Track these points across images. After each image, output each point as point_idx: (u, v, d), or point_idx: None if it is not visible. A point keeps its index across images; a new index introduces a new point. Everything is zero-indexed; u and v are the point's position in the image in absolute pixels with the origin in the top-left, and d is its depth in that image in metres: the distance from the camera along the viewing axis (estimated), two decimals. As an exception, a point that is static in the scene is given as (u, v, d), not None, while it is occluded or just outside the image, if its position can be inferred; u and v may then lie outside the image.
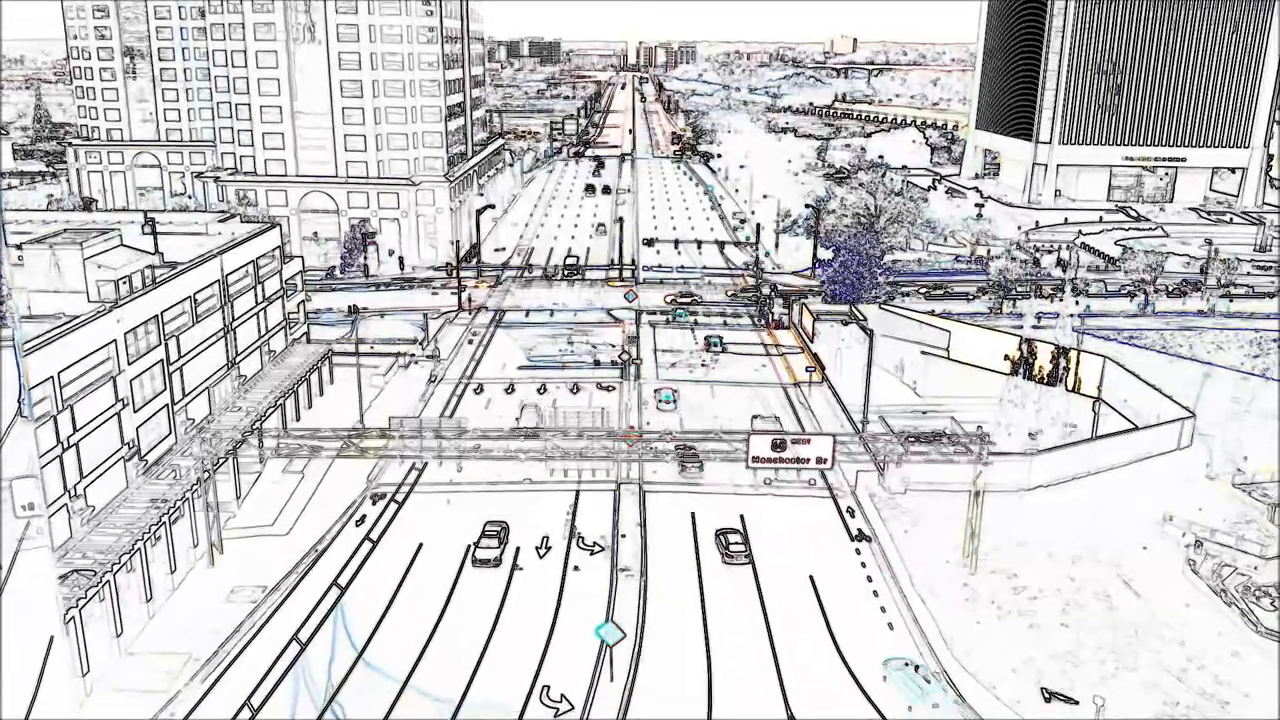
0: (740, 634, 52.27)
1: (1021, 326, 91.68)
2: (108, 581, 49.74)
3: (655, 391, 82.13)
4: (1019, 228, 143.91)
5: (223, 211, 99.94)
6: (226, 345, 69.81)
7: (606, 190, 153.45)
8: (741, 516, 62.75)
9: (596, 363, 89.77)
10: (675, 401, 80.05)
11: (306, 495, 65.49)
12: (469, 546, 59.32)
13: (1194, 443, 70.81)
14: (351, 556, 59.04)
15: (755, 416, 75.60)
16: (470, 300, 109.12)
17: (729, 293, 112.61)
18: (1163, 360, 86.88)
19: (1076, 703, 47.09)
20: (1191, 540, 59.70)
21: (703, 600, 55.11)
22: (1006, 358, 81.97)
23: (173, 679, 48.62)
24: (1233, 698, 47.80)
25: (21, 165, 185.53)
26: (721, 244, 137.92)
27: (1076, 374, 78.97)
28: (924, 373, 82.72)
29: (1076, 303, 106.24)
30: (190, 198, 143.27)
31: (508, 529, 60.83)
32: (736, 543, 59.43)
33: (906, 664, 49.40)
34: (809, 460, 64.39)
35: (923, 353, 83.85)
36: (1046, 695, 47.99)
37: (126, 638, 51.20)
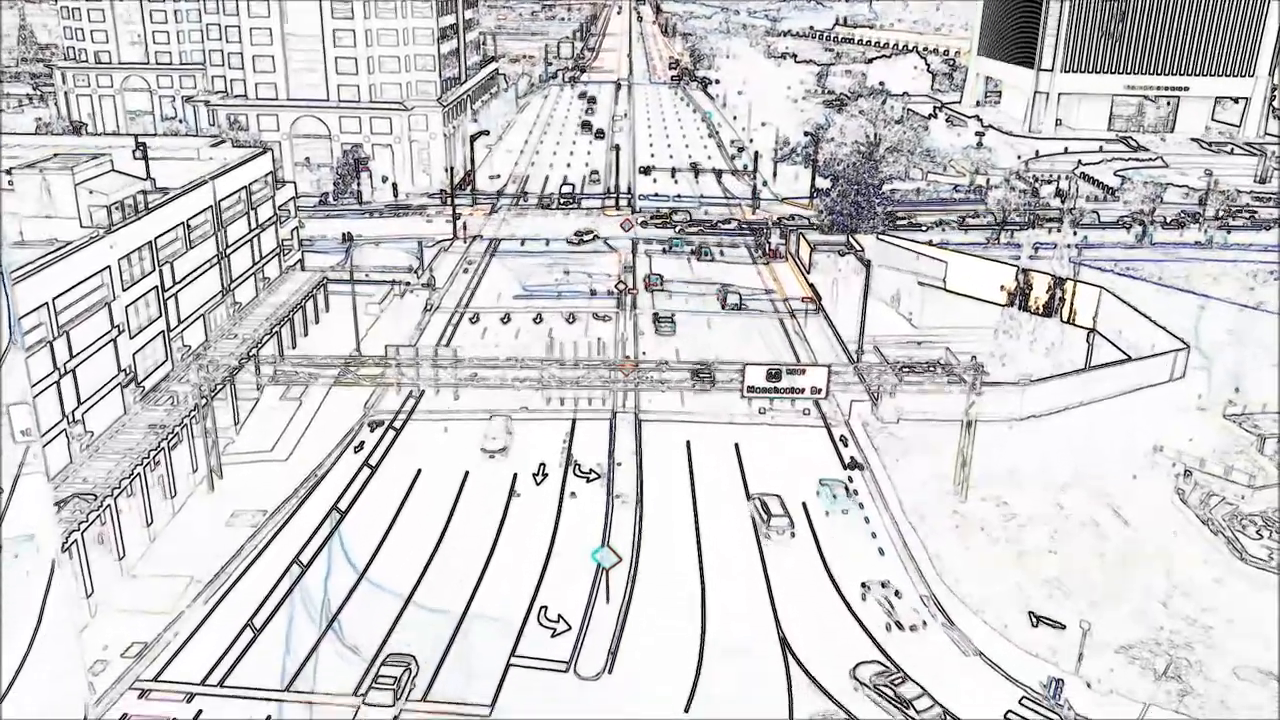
0: (733, 558, 53.12)
1: (1019, 257, 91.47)
2: (108, 506, 50.25)
3: (654, 317, 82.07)
4: (1019, 157, 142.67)
5: (214, 136, 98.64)
6: (221, 272, 69.49)
7: (600, 135, 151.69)
8: (736, 445, 63.27)
9: (593, 293, 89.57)
10: (673, 324, 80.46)
11: (304, 422, 65.86)
12: (466, 472, 60.01)
13: (1187, 374, 71.20)
14: (350, 482, 59.62)
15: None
16: (465, 228, 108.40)
17: (726, 222, 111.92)
18: (1159, 292, 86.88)
19: (1063, 627, 48.12)
20: (1181, 470, 60.45)
21: (697, 526, 55.88)
22: (1003, 288, 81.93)
23: (175, 600, 49.44)
24: (1216, 623, 48.87)
25: (8, 88, 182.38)
26: (719, 173, 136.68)
27: (1072, 305, 79.06)
28: (920, 303, 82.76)
29: (1074, 233, 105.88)
30: (181, 122, 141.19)
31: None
32: (779, 513, 55.62)
33: (825, 482, 58.87)
34: (804, 390, 64.65)
35: (919, 283, 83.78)
36: (1034, 620, 49.02)
37: (128, 561, 51.91)
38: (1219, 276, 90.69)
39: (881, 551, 54.14)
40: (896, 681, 44.15)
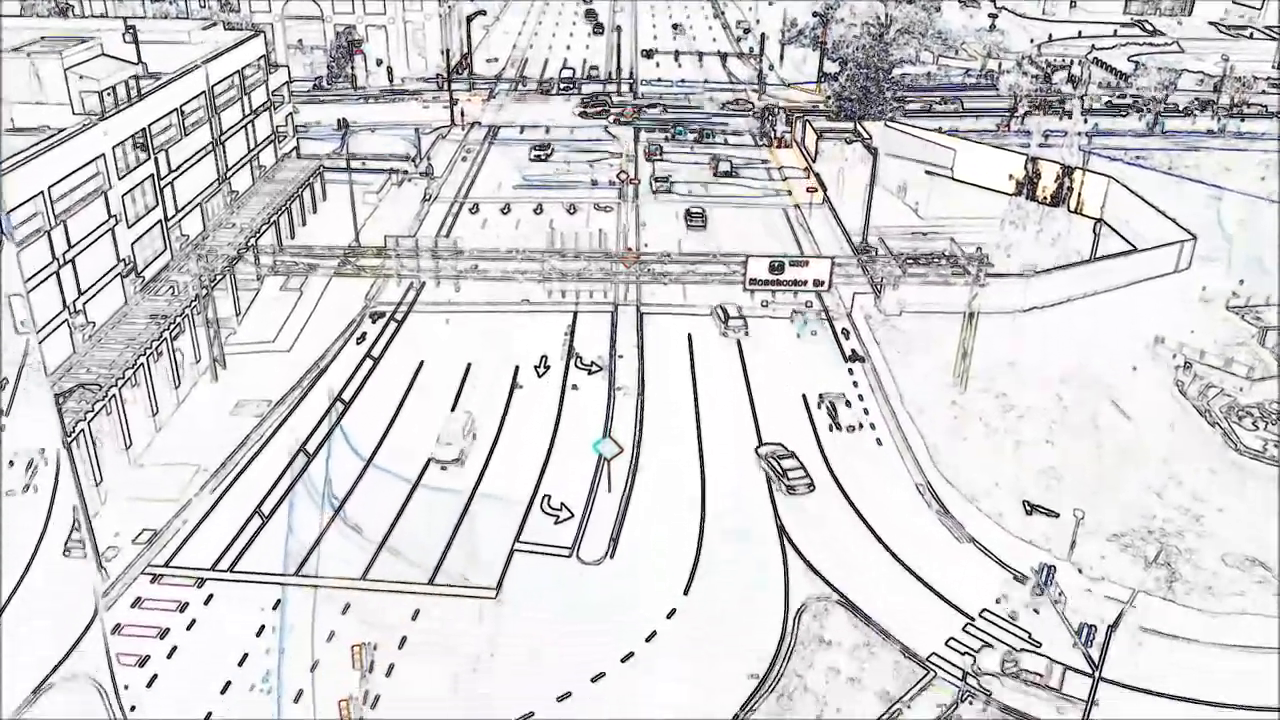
0: (733, 447, 53.73)
1: (1028, 145, 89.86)
2: (113, 395, 50.61)
3: (687, 214, 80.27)
4: (1031, 41, 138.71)
5: (205, 19, 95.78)
6: (216, 160, 68.40)
7: (599, 29, 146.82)
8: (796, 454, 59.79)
9: (594, 183, 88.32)
10: (705, 219, 79.54)
11: (306, 312, 65.78)
12: (468, 365, 60.20)
13: (1193, 266, 70.73)
14: (354, 373, 59.90)
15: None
16: (463, 115, 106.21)
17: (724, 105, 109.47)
18: (1168, 181, 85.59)
19: (1057, 516, 48.96)
20: (1181, 362, 60.58)
21: (698, 417, 56.35)
22: (1011, 178, 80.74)
23: (183, 488, 50.24)
24: (1207, 513, 49.70)
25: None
26: (724, 56, 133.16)
27: (1080, 195, 78.00)
28: (927, 193, 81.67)
29: (1085, 120, 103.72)
30: (171, 3, 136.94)
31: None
32: (796, 470, 51.43)
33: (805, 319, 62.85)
34: (806, 283, 64.44)
35: (927, 172, 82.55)
36: (1028, 509, 49.84)
37: (135, 451, 52.56)
38: (1231, 166, 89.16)
39: (879, 442, 54.71)
40: (782, 456, 51.84)
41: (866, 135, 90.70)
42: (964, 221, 76.47)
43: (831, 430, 54.67)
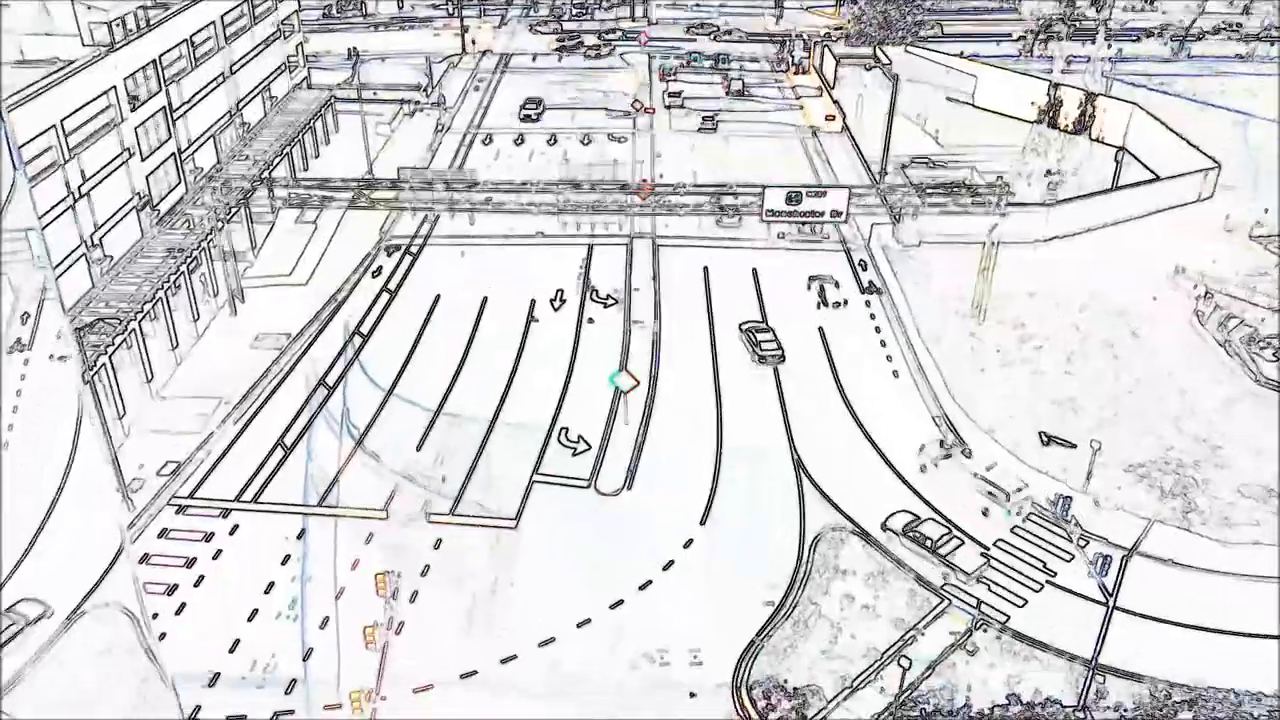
0: (748, 380, 53.83)
1: (1051, 71, 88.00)
2: (133, 329, 50.92)
3: (703, 119, 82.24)
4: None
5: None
6: (228, 91, 67.76)
7: None
8: (755, 270, 62.88)
9: (608, 113, 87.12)
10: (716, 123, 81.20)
11: (321, 246, 65.69)
12: (484, 299, 60.22)
13: (1216, 194, 69.64)
14: (371, 306, 60.00)
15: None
16: (474, 43, 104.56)
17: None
18: (1193, 108, 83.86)
19: (1074, 446, 49.04)
20: (1201, 292, 60.03)
21: (714, 348, 56.37)
22: (1033, 104, 79.28)
23: (206, 421, 50.79)
24: (1225, 444, 49.68)
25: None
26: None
27: (1102, 122, 76.58)
28: (947, 121, 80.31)
29: (1109, 45, 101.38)
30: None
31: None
32: (769, 342, 55.56)
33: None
34: (824, 214, 63.87)
35: (948, 99, 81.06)
36: (1045, 439, 49.92)
37: (156, 384, 53.03)
38: (1259, 91, 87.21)
39: (896, 374, 54.69)
40: (758, 329, 55.56)
41: (887, 61, 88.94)
42: (985, 150, 75.32)
43: (819, 308, 57.87)
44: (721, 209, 66.46)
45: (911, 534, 43.81)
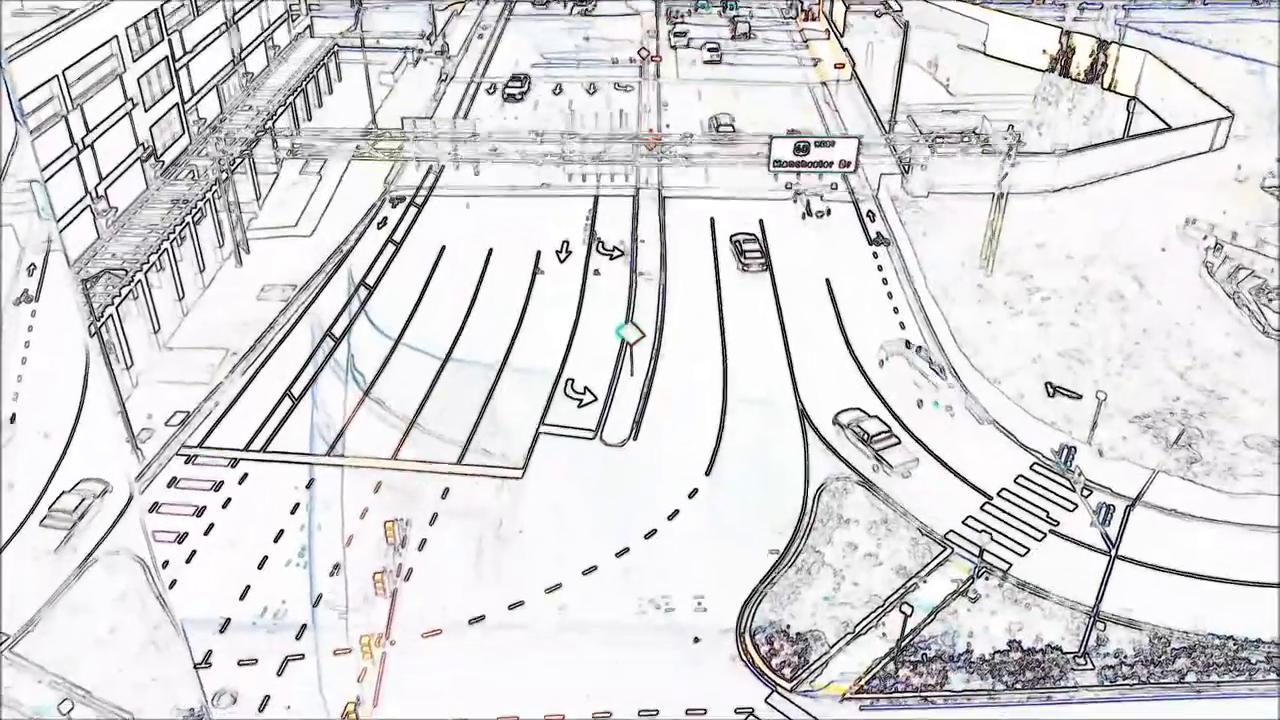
0: (755, 331, 53.83)
1: (1064, 18, 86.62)
2: (139, 280, 50.99)
3: (707, 48, 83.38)
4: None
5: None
6: (230, 40, 67.12)
7: None
8: (761, 221, 62.57)
9: (614, 61, 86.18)
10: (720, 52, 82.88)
11: (325, 197, 65.43)
12: (490, 250, 60.09)
13: (1228, 144, 68.84)
14: (376, 257, 59.92)
15: None
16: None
17: None
18: (1207, 56, 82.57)
19: (1079, 397, 49.06)
20: (1211, 243, 59.60)
21: (720, 300, 56.29)
22: (1045, 52, 78.16)
23: (214, 371, 51.02)
24: (1231, 394, 49.64)
25: None
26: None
27: (1114, 70, 75.53)
28: (959, 69, 79.27)
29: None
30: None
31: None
32: (754, 251, 59.11)
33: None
34: (832, 164, 63.35)
35: (959, 46, 79.97)
36: (1051, 390, 49.92)
37: (163, 334, 53.21)
38: (1274, 39, 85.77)
39: (903, 325, 54.59)
40: (745, 240, 58.79)
41: (898, 7, 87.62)
42: (996, 98, 74.38)
43: (804, 219, 61.15)
44: (718, 128, 69.12)
45: (854, 429, 46.91)
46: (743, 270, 58.06)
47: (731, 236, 60.54)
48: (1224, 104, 68.79)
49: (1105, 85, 76.06)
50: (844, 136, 66.06)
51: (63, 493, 43.94)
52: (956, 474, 45.25)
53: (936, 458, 46.19)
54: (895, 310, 55.75)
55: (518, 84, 79.10)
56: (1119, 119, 73.00)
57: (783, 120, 73.35)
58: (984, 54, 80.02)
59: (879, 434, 46.61)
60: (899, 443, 46.42)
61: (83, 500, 43.49)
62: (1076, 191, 65.34)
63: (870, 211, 64.10)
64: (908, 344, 52.66)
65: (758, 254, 58.73)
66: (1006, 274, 58.00)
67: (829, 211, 61.66)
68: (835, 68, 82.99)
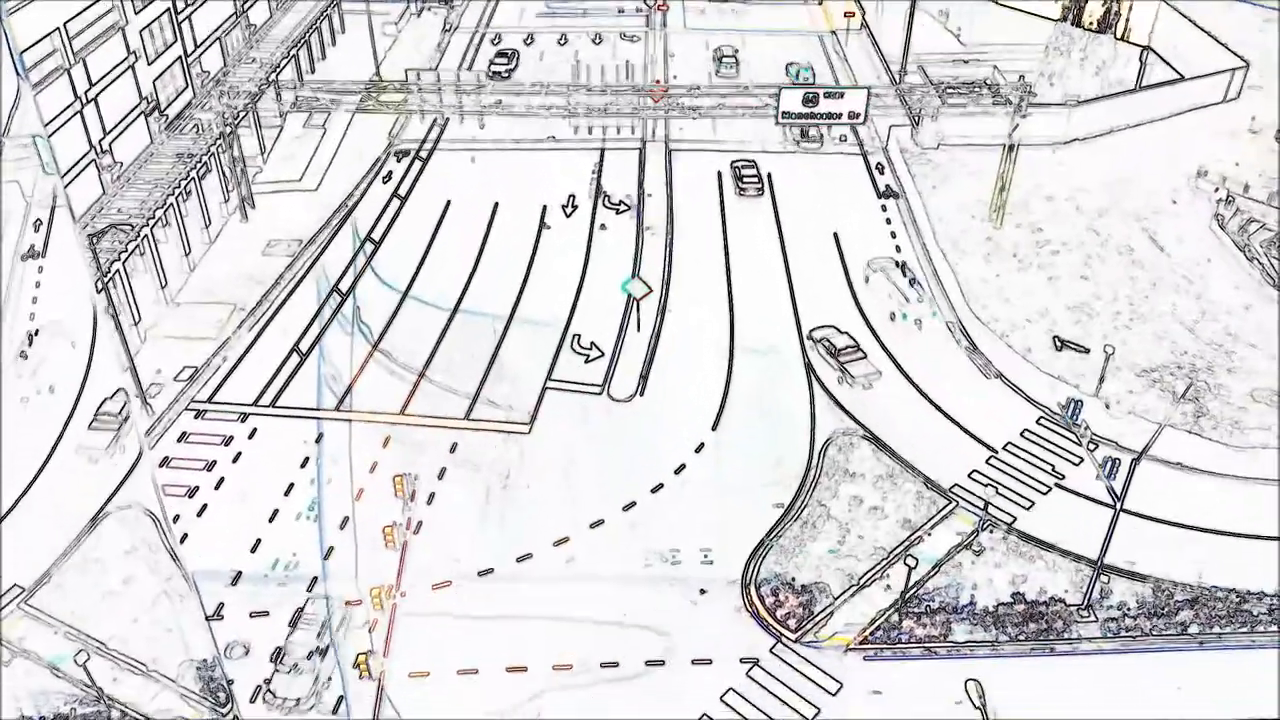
0: (763, 288, 53.67)
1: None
2: (145, 235, 50.94)
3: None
4: None
5: None
6: (231, -9, 66.34)
7: None
8: (769, 175, 62.11)
9: (620, 10, 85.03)
10: None
11: (330, 150, 65.05)
12: (495, 203, 59.79)
13: (1242, 95, 67.86)
14: (382, 212, 59.71)
15: None
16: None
17: None
18: (1222, 5, 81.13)
19: (1087, 351, 48.94)
20: (1223, 195, 59.03)
21: (727, 257, 56.07)
22: (1058, 1, 76.83)
23: (221, 326, 51.15)
24: (1239, 348, 49.47)
25: None
26: None
27: (1128, 20, 74.28)
28: (970, 18, 78.02)
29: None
30: None
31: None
32: (751, 176, 60.15)
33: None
34: (841, 116, 62.71)
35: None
36: (1058, 344, 49.80)
37: (170, 290, 53.26)
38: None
39: (914, 282, 54.34)
40: (742, 165, 60.62)
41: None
42: (1007, 49, 73.31)
43: (798, 144, 63.19)
44: (720, 59, 70.44)
45: (824, 343, 49.41)
46: (739, 194, 59.76)
47: (732, 163, 62.04)
48: (1239, 54, 67.70)
49: (1118, 35, 74.83)
50: (853, 87, 65.30)
51: (105, 398, 46.42)
52: (963, 428, 45.33)
53: (942, 411, 46.20)
54: (903, 264, 55.44)
55: (504, 59, 73.52)
56: (1132, 69, 71.98)
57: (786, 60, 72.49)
58: (995, 2, 78.69)
59: (845, 348, 49.15)
60: (865, 356, 48.86)
61: (124, 405, 45.94)
62: (1088, 143, 64.61)
63: (879, 164, 63.56)
64: (897, 264, 54.50)
65: (754, 179, 60.25)
66: (1016, 227, 57.60)
67: (821, 139, 63.39)
68: (845, 16, 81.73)
